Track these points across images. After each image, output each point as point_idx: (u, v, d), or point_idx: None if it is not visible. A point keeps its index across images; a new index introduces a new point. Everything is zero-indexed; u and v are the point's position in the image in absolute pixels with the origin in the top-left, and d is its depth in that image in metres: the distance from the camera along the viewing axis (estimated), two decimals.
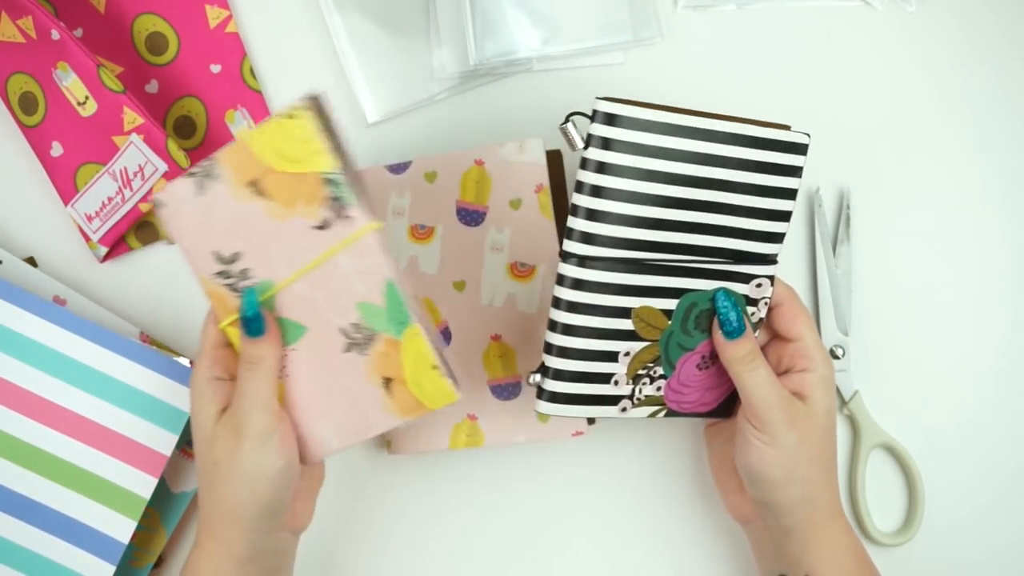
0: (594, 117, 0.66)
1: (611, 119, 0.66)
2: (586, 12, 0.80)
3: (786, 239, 0.81)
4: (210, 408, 0.67)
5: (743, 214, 0.69)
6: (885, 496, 0.81)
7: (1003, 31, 0.82)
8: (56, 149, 0.78)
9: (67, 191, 0.78)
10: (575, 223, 0.67)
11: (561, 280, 0.67)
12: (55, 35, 0.74)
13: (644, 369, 0.70)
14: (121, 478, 0.74)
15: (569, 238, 0.67)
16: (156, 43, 0.79)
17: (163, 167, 0.75)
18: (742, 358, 0.69)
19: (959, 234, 0.82)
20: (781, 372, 0.72)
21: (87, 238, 0.78)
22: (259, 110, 0.80)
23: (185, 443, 0.77)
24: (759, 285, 0.71)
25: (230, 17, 0.80)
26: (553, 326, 0.68)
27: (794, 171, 0.70)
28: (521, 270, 0.76)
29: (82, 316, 0.74)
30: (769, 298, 0.71)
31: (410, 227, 0.77)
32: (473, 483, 0.80)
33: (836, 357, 0.80)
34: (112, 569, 0.74)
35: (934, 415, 0.81)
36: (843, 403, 0.80)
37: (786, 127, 0.70)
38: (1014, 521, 0.81)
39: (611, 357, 0.69)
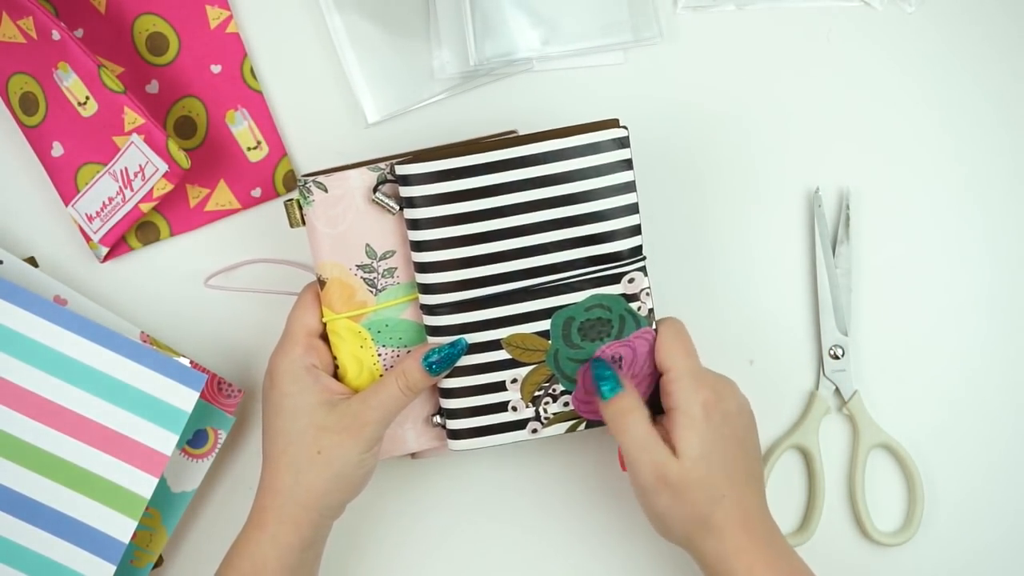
0: (397, 180, 0.69)
1: (406, 179, 0.69)
2: (586, 12, 0.80)
3: (786, 239, 0.81)
4: (312, 397, 0.69)
5: (585, 221, 0.70)
6: (885, 496, 0.81)
7: (1003, 31, 0.82)
8: (57, 149, 0.78)
9: (68, 191, 0.78)
10: (417, 277, 0.70)
11: (426, 330, 0.71)
12: (56, 35, 0.74)
13: (540, 390, 0.72)
14: (121, 478, 0.74)
15: (419, 291, 0.70)
16: (157, 43, 0.79)
17: (164, 167, 0.75)
18: (613, 416, 0.69)
19: (959, 234, 0.82)
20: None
21: (88, 238, 0.79)
22: (259, 110, 0.80)
23: (185, 443, 0.77)
24: (631, 280, 0.71)
25: (230, 17, 0.80)
26: None
27: (624, 165, 0.70)
28: None
29: (83, 316, 0.74)
30: (648, 289, 0.71)
31: None
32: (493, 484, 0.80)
33: (836, 357, 0.80)
34: (112, 569, 0.74)
35: (933, 415, 0.81)
36: (843, 403, 0.80)
37: (610, 123, 0.70)
38: (1014, 521, 0.81)
39: (498, 387, 0.71)
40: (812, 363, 0.81)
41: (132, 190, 0.76)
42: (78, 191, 0.78)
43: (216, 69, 0.80)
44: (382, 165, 0.69)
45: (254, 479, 0.79)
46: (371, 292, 0.71)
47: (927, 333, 0.81)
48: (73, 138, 0.77)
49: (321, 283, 0.71)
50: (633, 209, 0.71)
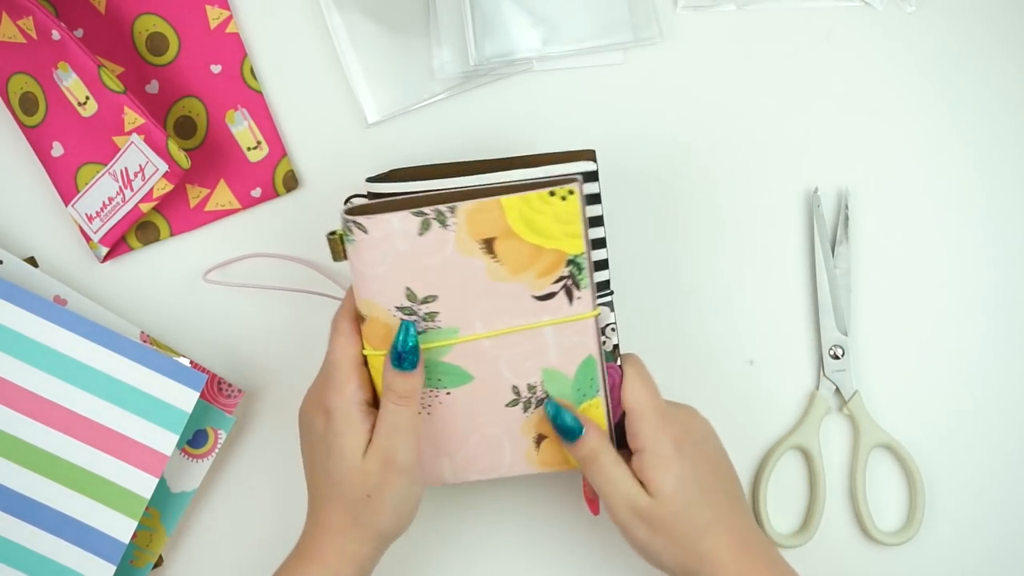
0: (369, 198, 0.69)
1: (376, 198, 0.68)
2: (586, 12, 0.80)
3: (785, 239, 0.81)
4: (361, 438, 0.68)
5: None
6: (885, 496, 0.81)
7: (1002, 31, 0.82)
8: (57, 149, 0.78)
9: (68, 191, 0.78)
10: None
11: None
12: (56, 35, 0.75)
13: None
14: (121, 478, 0.74)
15: None
16: (156, 43, 0.79)
17: (164, 167, 0.75)
18: (583, 458, 0.69)
19: (958, 234, 0.82)
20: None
21: (88, 238, 0.79)
22: (259, 110, 0.80)
23: (185, 443, 0.77)
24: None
25: (230, 18, 0.80)
26: None
27: (592, 199, 0.68)
28: None
29: (83, 316, 0.74)
30: (614, 324, 0.69)
31: None
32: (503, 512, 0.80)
33: (836, 357, 0.80)
34: (112, 569, 0.74)
35: (934, 414, 0.81)
36: (843, 403, 0.80)
37: (584, 154, 0.67)
38: (1016, 520, 0.81)
39: None
40: (812, 363, 0.81)
41: (132, 190, 0.76)
42: (78, 191, 0.78)
43: (216, 69, 0.80)
44: (426, 211, 0.65)
45: (254, 479, 0.79)
46: None
47: (927, 332, 0.81)
48: (73, 138, 0.77)
49: (361, 318, 0.69)
50: (599, 244, 0.68)
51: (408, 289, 0.67)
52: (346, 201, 0.70)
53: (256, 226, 0.80)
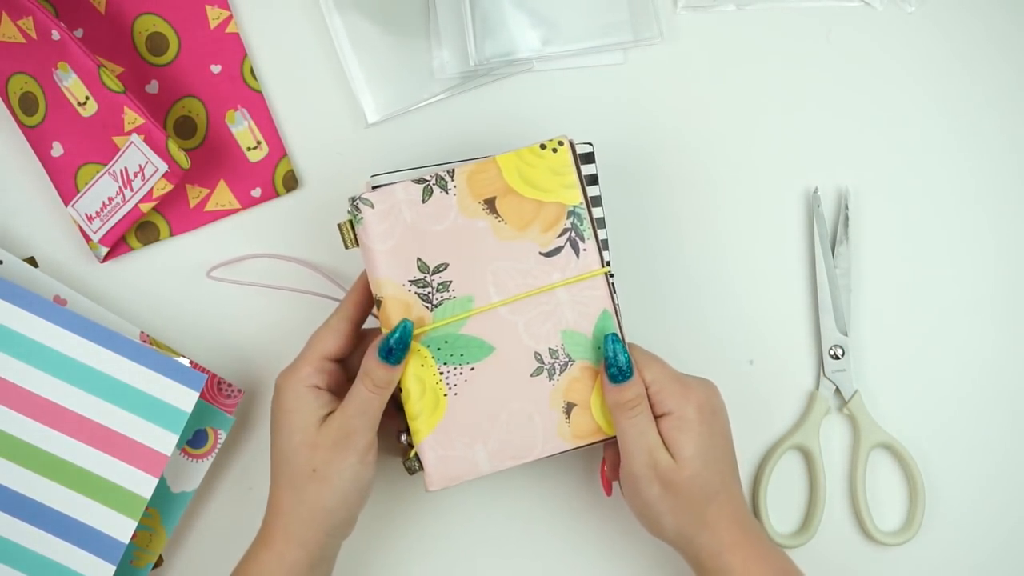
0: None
1: (379, 189, 0.69)
2: (586, 12, 0.80)
3: (785, 239, 0.81)
4: (312, 415, 0.69)
5: None
6: (885, 496, 0.81)
7: (1002, 31, 0.83)
8: (56, 149, 0.78)
9: (67, 191, 0.78)
10: None
11: None
12: (55, 35, 0.75)
13: None
14: (121, 478, 0.74)
15: None
16: (156, 43, 0.79)
17: (163, 167, 0.75)
18: (625, 403, 0.69)
19: (958, 234, 0.82)
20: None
21: (87, 238, 0.79)
22: (259, 110, 0.80)
23: (185, 443, 0.77)
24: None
25: (230, 17, 0.80)
26: None
27: (591, 180, 0.70)
28: None
29: (83, 316, 0.74)
30: (615, 306, 0.71)
31: None
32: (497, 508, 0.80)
33: (835, 357, 0.80)
34: (112, 569, 0.74)
35: (934, 414, 0.81)
36: (843, 403, 0.80)
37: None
38: (1016, 520, 0.81)
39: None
40: (812, 363, 0.81)
41: (132, 190, 0.76)
42: (78, 191, 0.78)
43: (216, 69, 0.80)
44: (427, 177, 0.69)
45: (254, 479, 0.79)
46: (427, 308, 0.69)
47: (927, 332, 0.81)
48: (73, 138, 0.77)
49: (378, 303, 0.69)
50: (599, 224, 0.70)
51: (419, 260, 0.69)
52: (351, 201, 0.71)
53: (256, 226, 0.80)
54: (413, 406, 0.70)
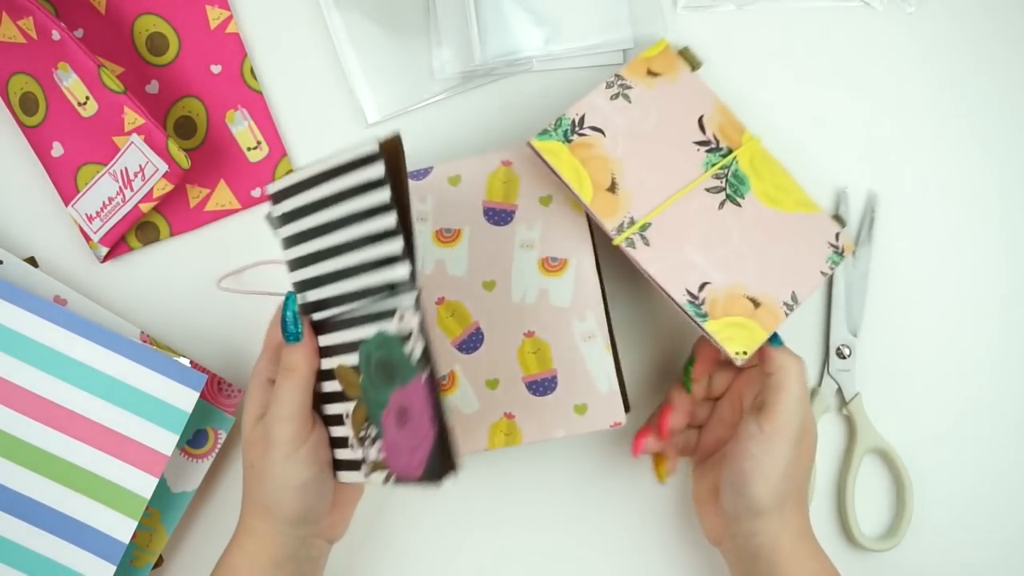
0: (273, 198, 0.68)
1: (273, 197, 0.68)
2: (587, 12, 0.80)
3: None
4: (254, 410, 0.68)
5: (347, 250, 0.63)
6: (873, 501, 0.81)
7: (1003, 31, 0.82)
8: (57, 149, 0.78)
9: (68, 191, 0.78)
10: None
11: None
12: (56, 36, 0.75)
13: (362, 431, 0.65)
14: (121, 478, 0.74)
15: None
16: (157, 43, 0.79)
17: (164, 167, 0.75)
18: (785, 362, 0.70)
19: (968, 243, 0.82)
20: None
21: (88, 238, 0.79)
22: (259, 110, 0.80)
23: (185, 443, 0.77)
24: (401, 318, 0.61)
25: (230, 18, 0.80)
26: None
27: (377, 184, 0.60)
28: (552, 264, 0.75)
29: (82, 316, 0.74)
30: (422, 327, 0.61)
31: (435, 232, 0.75)
32: (500, 486, 0.80)
33: (842, 356, 0.80)
34: (112, 569, 0.74)
35: (932, 426, 0.81)
36: (843, 404, 0.80)
37: (391, 142, 0.62)
38: (1002, 539, 0.81)
39: (338, 420, 0.67)
40: (817, 359, 0.81)
41: (132, 190, 0.76)
42: (78, 191, 0.78)
43: (216, 69, 0.80)
44: (610, 80, 0.71)
45: None
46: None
47: (937, 346, 0.81)
48: (73, 138, 0.77)
49: None
50: (390, 234, 0.61)
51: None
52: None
53: (256, 226, 0.80)
54: None
